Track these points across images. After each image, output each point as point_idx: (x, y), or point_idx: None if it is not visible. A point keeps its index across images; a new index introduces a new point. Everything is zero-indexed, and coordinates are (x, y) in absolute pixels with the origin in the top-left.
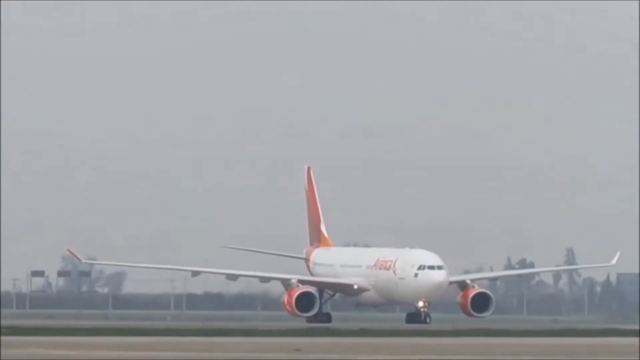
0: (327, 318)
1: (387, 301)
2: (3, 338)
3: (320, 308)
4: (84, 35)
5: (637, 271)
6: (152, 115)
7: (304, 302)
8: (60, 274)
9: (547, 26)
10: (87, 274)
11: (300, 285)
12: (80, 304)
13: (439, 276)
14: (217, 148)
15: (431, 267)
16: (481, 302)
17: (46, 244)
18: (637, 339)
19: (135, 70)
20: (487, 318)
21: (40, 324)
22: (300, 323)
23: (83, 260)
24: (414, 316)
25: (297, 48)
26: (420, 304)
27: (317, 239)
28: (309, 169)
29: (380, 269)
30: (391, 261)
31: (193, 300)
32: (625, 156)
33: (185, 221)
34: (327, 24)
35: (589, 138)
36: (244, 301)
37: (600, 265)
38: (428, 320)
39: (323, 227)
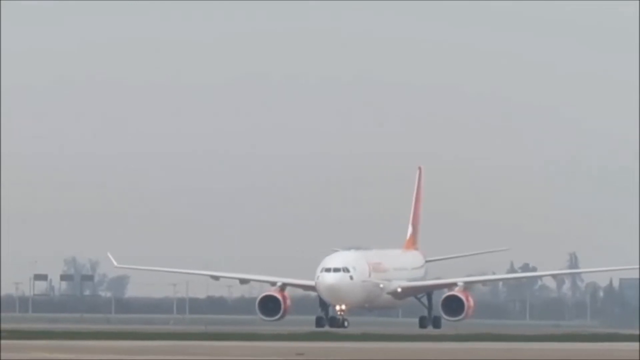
0: (335, 322)
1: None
2: (5, 342)
3: (327, 312)
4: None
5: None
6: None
7: (270, 305)
8: (63, 277)
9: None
10: (89, 277)
11: (272, 289)
12: (83, 308)
13: (331, 279)
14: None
15: (327, 270)
16: (455, 306)
17: (49, 248)
18: (638, 344)
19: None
20: (483, 323)
21: (42, 327)
22: (303, 327)
23: (115, 264)
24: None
25: None
26: (337, 307)
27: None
28: (419, 169)
29: None
30: None
31: (196, 304)
32: (628, 160)
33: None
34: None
35: (593, 142)
36: (247, 305)
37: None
38: (346, 324)
39: (409, 229)
